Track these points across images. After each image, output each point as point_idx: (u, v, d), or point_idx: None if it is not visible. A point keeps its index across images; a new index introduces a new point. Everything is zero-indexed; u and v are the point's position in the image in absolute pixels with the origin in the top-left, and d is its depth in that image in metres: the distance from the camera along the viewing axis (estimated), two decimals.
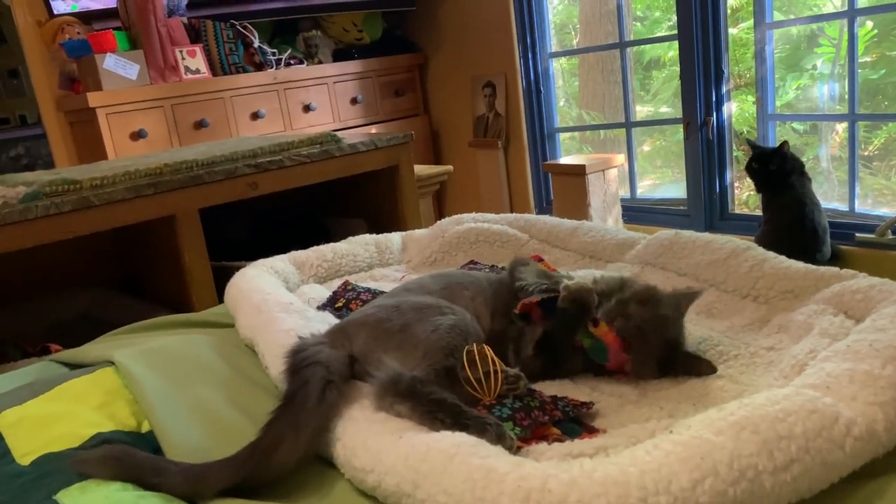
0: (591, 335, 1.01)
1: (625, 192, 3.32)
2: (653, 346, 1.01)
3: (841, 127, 3.40)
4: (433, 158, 3.95)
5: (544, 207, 3.57)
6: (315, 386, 0.91)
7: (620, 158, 3.03)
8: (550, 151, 3.56)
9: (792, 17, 3.65)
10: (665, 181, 4.43)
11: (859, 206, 2.69)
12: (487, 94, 3.61)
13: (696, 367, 1.02)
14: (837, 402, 0.78)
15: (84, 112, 2.88)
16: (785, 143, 2.43)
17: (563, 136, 3.74)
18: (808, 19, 3.43)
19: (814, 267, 1.19)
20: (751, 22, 2.88)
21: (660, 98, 4.58)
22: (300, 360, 0.96)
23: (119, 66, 2.89)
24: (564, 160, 3.10)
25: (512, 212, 3.62)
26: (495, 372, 0.93)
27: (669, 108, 4.22)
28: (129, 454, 0.87)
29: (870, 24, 3.33)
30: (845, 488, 0.75)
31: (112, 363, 1.14)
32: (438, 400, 0.87)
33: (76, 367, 1.27)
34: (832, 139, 3.61)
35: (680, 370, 1.03)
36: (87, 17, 3.10)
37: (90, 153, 2.94)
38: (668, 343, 1.02)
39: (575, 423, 0.93)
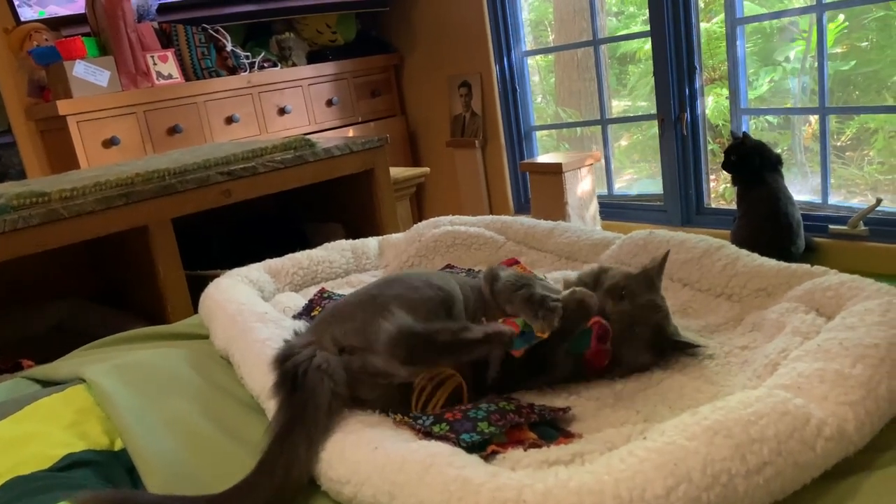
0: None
1: (602, 189, 3.34)
2: (640, 337, 1.02)
3: (814, 118, 3.44)
4: (411, 159, 3.94)
5: (523, 205, 3.58)
6: (324, 397, 0.90)
7: (596, 156, 3.04)
8: (528, 150, 3.57)
9: (763, 10, 3.69)
10: (643, 175, 4.46)
11: (832, 198, 2.73)
12: (463, 94, 3.61)
13: (685, 350, 1.05)
14: (809, 402, 0.79)
15: (54, 120, 2.84)
16: (745, 134, 2.51)
17: (540, 133, 3.75)
18: (778, 14, 3.46)
19: (786, 264, 1.20)
20: (724, 15, 2.90)
21: (637, 93, 4.61)
22: (294, 365, 0.93)
23: (89, 72, 2.85)
24: (541, 159, 3.11)
25: (491, 211, 3.64)
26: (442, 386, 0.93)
27: (646, 102, 4.25)
28: (133, 499, 0.82)
29: (841, 16, 3.37)
30: (818, 488, 0.76)
31: (84, 380, 1.13)
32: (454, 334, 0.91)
33: (48, 383, 1.25)
34: (805, 131, 3.65)
35: (672, 353, 1.06)
36: (55, 24, 3.05)
37: (62, 162, 2.90)
38: (654, 328, 1.03)
39: (551, 427, 0.93)
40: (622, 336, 1.01)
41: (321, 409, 0.88)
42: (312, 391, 0.89)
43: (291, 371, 0.92)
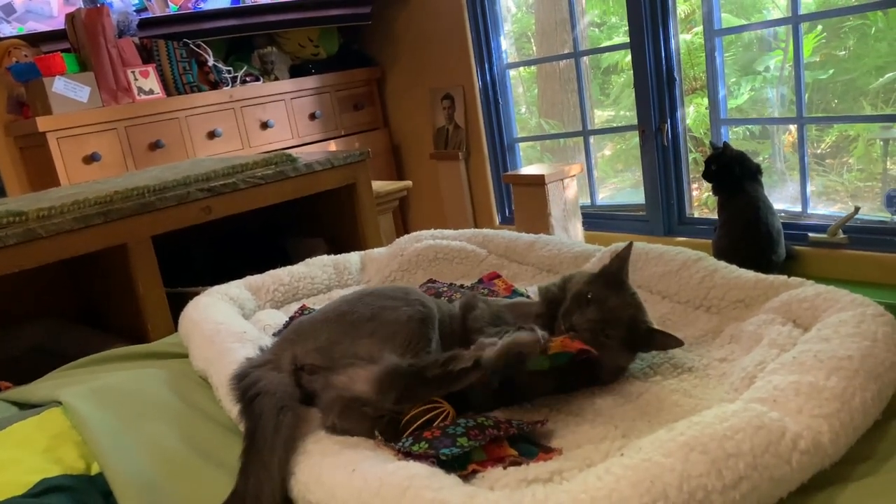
0: (547, 358, 1.00)
1: (585, 200, 3.35)
2: (614, 338, 1.00)
3: (793, 127, 3.48)
4: (395, 171, 3.94)
5: (507, 217, 3.58)
6: (269, 417, 0.90)
7: (579, 167, 3.05)
8: (511, 161, 3.58)
9: (743, 20, 3.74)
10: (626, 185, 4.49)
11: (812, 207, 2.76)
12: (446, 107, 3.62)
13: (661, 342, 1.04)
14: (784, 416, 0.79)
15: (34, 137, 2.82)
16: (726, 143, 2.54)
17: (524, 145, 3.76)
18: (755, 25, 3.51)
19: (763, 276, 1.21)
20: (703, 26, 2.93)
21: (620, 103, 4.64)
22: (246, 387, 0.95)
23: (69, 88, 2.83)
24: (524, 170, 3.12)
25: (475, 223, 3.65)
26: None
27: (630, 111, 4.28)
28: None
29: (819, 27, 3.42)
30: (794, 502, 0.76)
31: (60, 403, 1.12)
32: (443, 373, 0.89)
33: (25, 406, 1.23)
34: (785, 140, 3.69)
35: (647, 346, 1.05)
36: (34, 40, 3.03)
37: (42, 178, 2.87)
38: (627, 326, 1.01)
39: (531, 443, 0.92)
40: (595, 343, 0.99)
41: (268, 427, 0.89)
42: (259, 415, 0.90)
43: (243, 395, 0.93)
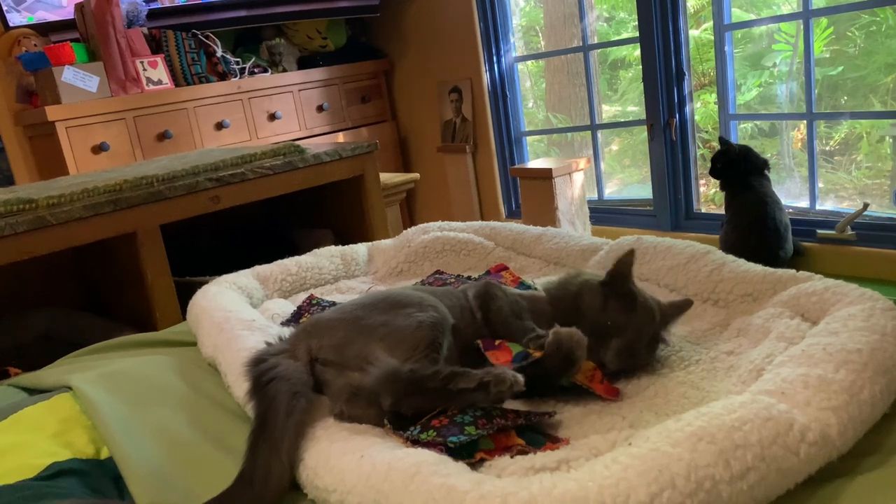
0: (574, 383, 0.99)
1: (592, 194, 3.35)
2: (641, 355, 1.04)
3: (802, 123, 3.46)
4: (402, 164, 3.94)
5: (513, 211, 3.58)
6: (282, 401, 0.91)
7: (586, 161, 3.05)
8: (518, 155, 3.58)
9: (753, 15, 3.72)
10: (633, 180, 4.47)
11: (821, 203, 2.75)
12: (454, 100, 3.61)
13: (677, 316, 1.09)
14: (792, 408, 0.79)
15: (43, 126, 2.83)
16: (728, 142, 2.54)
17: (531, 138, 3.75)
18: (766, 20, 3.49)
19: (771, 270, 1.21)
20: (712, 21, 2.92)
21: (627, 98, 4.63)
22: (261, 372, 0.96)
23: (78, 78, 2.84)
24: (531, 164, 3.12)
25: (482, 216, 3.65)
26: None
27: (637, 107, 4.27)
28: None
29: (825, 21, 3.40)
30: (802, 493, 0.76)
31: (70, 388, 1.12)
32: (447, 375, 0.90)
33: (34, 391, 1.24)
34: (794, 136, 3.67)
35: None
36: (43, 29, 3.04)
37: (50, 168, 2.88)
38: (651, 337, 1.05)
39: (538, 433, 0.93)
40: (626, 365, 1.02)
41: (280, 411, 0.89)
42: (273, 398, 0.91)
43: (257, 378, 0.94)
